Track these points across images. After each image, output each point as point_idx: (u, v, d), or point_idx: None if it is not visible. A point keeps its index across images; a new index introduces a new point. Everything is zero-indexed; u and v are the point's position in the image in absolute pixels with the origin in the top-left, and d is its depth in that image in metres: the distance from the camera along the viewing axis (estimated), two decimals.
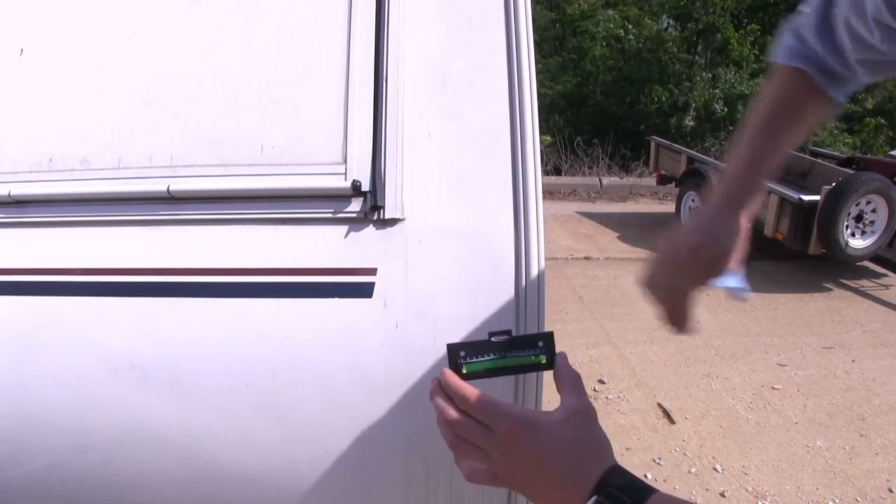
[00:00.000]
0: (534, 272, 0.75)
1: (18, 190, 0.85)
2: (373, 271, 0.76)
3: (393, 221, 0.77)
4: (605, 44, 10.17)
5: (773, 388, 3.00)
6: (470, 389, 0.57)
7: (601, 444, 0.54)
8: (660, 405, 2.79)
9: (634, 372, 3.10)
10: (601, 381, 2.97)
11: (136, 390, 0.78)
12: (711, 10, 9.69)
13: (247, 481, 0.79)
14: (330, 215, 0.78)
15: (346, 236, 0.78)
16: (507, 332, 0.60)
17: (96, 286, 0.81)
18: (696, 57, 10.04)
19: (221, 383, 0.77)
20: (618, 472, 0.52)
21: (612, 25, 9.96)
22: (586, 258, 5.09)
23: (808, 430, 2.63)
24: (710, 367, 3.18)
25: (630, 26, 9.90)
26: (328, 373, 0.75)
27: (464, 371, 0.59)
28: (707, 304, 4.06)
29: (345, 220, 0.78)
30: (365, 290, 0.75)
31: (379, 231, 0.77)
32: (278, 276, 0.78)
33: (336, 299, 0.76)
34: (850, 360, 3.31)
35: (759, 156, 0.74)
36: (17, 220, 0.85)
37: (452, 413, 0.57)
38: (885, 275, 4.73)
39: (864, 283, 4.63)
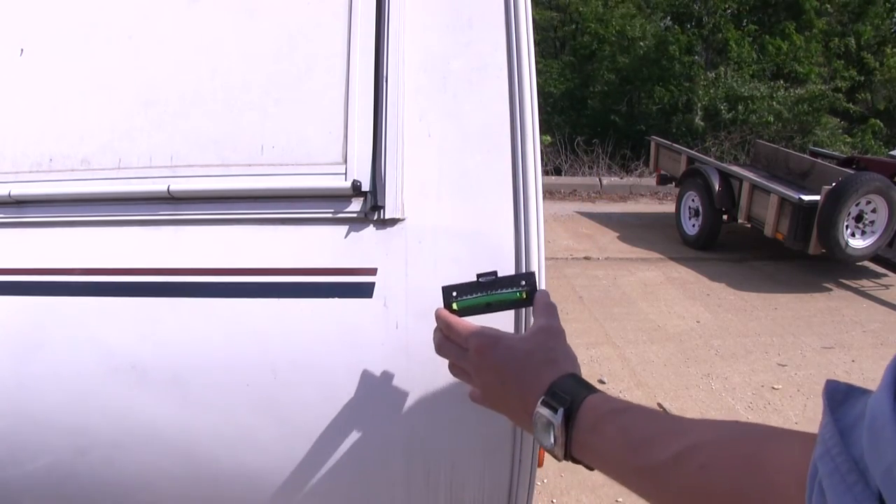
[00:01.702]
0: (534, 272, 0.75)
1: (18, 190, 0.84)
2: (373, 271, 0.76)
3: (393, 221, 0.77)
4: (612, 45, 10.17)
5: (773, 388, 3.00)
6: (451, 317, 0.65)
7: (559, 355, 0.59)
8: (660, 405, 2.79)
9: (634, 372, 3.10)
10: (601, 381, 2.97)
11: (136, 390, 0.78)
12: (713, 10, 9.70)
13: (247, 480, 0.79)
14: (330, 215, 0.78)
15: (346, 236, 0.78)
16: (493, 273, 0.67)
17: (96, 286, 0.81)
18: (697, 57, 10.05)
19: (222, 383, 0.77)
20: (571, 377, 0.56)
21: (626, 25, 9.94)
22: (586, 258, 5.09)
23: (809, 429, 2.62)
24: (710, 367, 3.18)
25: (648, 28, 9.90)
26: (328, 372, 0.75)
27: (455, 307, 0.66)
28: (707, 304, 4.07)
29: (345, 220, 0.78)
30: (365, 290, 0.75)
31: (379, 231, 0.77)
32: (278, 276, 0.78)
33: (336, 299, 0.76)
34: (850, 360, 3.31)
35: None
36: (17, 220, 0.85)
37: (439, 339, 0.65)
38: (885, 275, 4.73)
39: (864, 283, 4.63)
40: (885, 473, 0.28)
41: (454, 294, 0.67)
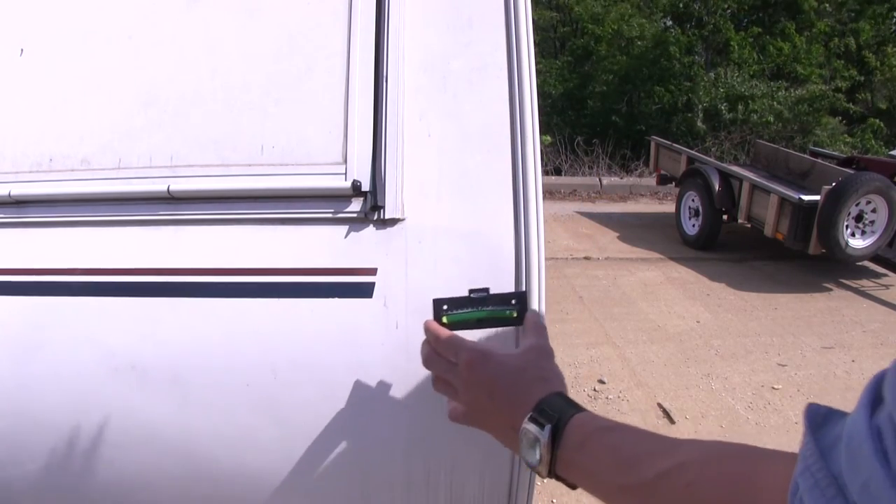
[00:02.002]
0: (534, 272, 0.75)
1: (18, 190, 0.84)
2: (373, 271, 0.76)
3: (393, 221, 0.77)
4: (609, 45, 10.17)
5: (773, 388, 3.00)
6: (441, 330, 0.64)
7: (549, 374, 0.59)
8: (660, 405, 2.80)
9: (634, 372, 3.10)
10: (601, 381, 2.97)
11: (136, 390, 0.78)
12: (713, 10, 9.70)
13: (247, 480, 0.79)
14: (330, 215, 0.78)
15: (346, 236, 0.78)
16: (486, 290, 0.67)
17: (96, 286, 0.81)
18: (697, 57, 10.05)
19: (222, 383, 0.77)
20: (559, 396, 0.56)
21: (623, 25, 9.94)
22: (586, 258, 5.09)
23: None
24: (710, 367, 3.19)
25: (647, 27, 9.89)
26: (328, 372, 0.75)
27: (444, 321, 0.66)
28: (707, 304, 4.07)
29: (345, 220, 0.78)
30: (365, 290, 0.75)
31: (379, 231, 0.77)
32: (278, 276, 0.78)
33: (336, 299, 0.76)
34: (850, 360, 3.31)
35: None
36: (17, 220, 0.85)
37: (427, 351, 0.64)
38: (885, 275, 4.73)
39: (864, 283, 4.63)
40: (863, 488, 0.30)
41: (444, 307, 0.66)
